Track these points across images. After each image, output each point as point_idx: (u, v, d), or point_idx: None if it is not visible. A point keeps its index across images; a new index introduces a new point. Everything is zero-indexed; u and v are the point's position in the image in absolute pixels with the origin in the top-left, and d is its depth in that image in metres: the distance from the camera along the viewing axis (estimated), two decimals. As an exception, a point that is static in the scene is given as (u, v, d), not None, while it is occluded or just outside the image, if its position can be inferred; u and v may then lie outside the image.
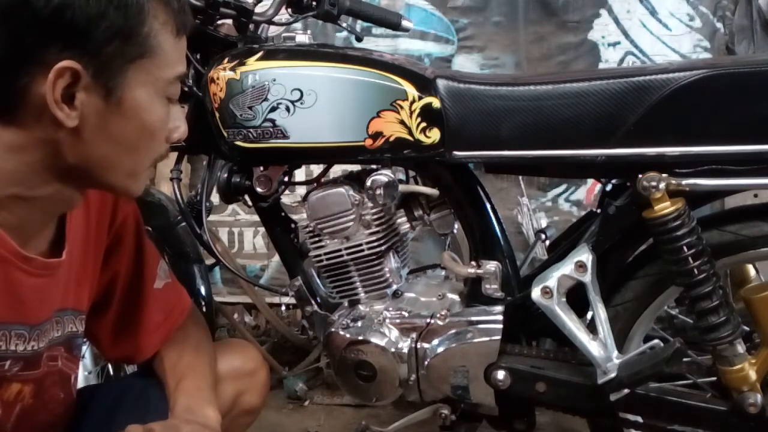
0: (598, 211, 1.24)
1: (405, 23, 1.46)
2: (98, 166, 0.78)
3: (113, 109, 0.75)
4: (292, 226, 1.38)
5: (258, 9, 1.29)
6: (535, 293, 1.12)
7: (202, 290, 1.49)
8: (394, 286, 1.29)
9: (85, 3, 0.70)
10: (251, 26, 1.29)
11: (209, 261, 1.57)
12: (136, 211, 1.02)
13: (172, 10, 0.77)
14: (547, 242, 1.57)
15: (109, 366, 1.55)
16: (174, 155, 1.38)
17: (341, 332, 1.26)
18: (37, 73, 0.71)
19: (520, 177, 2.20)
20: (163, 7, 0.76)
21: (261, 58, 1.18)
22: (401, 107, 1.13)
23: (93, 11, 0.70)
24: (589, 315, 1.14)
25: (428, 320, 1.24)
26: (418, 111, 1.13)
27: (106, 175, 0.79)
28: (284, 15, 1.37)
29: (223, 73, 1.18)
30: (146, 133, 0.79)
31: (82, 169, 0.77)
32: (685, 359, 1.13)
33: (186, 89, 1.24)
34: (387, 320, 1.25)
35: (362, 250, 1.25)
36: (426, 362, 1.22)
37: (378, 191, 1.18)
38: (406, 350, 1.23)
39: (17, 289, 0.79)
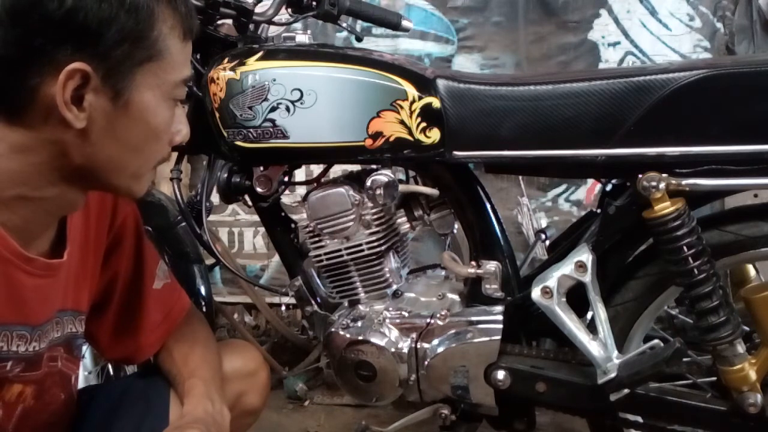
0: (598, 211, 1.24)
1: (405, 23, 1.46)
2: (104, 168, 0.78)
3: (121, 111, 0.76)
4: (292, 226, 1.38)
5: (258, 9, 1.28)
6: (535, 293, 1.12)
7: (202, 290, 1.49)
8: (394, 286, 1.29)
9: (97, 6, 0.71)
10: (251, 26, 1.29)
11: (209, 261, 1.57)
12: (135, 211, 1.02)
13: (180, 15, 0.78)
14: (547, 242, 1.57)
15: (109, 366, 1.55)
16: (174, 155, 1.38)
17: (341, 332, 1.26)
18: (47, 74, 0.71)
19: (520, 177, 2.20)
20: (171, 11, 0.77)
21: (261, 58, 1.18)
22: (401, 107, 1.13)
23: (104, 14, 0.71)
24: (589, 315, 1.14)
25: (428, 320, 1.24)
26: (418, 111, 1.13)
27: (111, 177, 0.80)
28: (284, 15, 1.37)
29: (223, 73, 1.18)
30: (152, 135, 0.80)
31: (87, 170, 0.78)
32: (685, 359, 1.13)
33: (186, 89, 1.24)
34: (387, 320, 1.25)
35: (362, 250, 1.25)
36: (426, 362, 1.22)
37: (378, 191, 1.18)
38: (406, 350, 1.23)
39: (19, 290, 0.79)
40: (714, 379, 1.11)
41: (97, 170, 0.78)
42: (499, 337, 1.19)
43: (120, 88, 0.74)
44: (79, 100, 0.73)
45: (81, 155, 0.76)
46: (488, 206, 1.27)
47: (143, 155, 0.81)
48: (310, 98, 1.15)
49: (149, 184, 0.87)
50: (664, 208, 1.04)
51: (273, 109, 1.16)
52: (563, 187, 2.28)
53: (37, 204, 0.78)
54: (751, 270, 1.32)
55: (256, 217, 1.41)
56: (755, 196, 1.41)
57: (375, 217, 1.23)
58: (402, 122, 1.13)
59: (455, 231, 1.31)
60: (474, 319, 1.23)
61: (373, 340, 1.23)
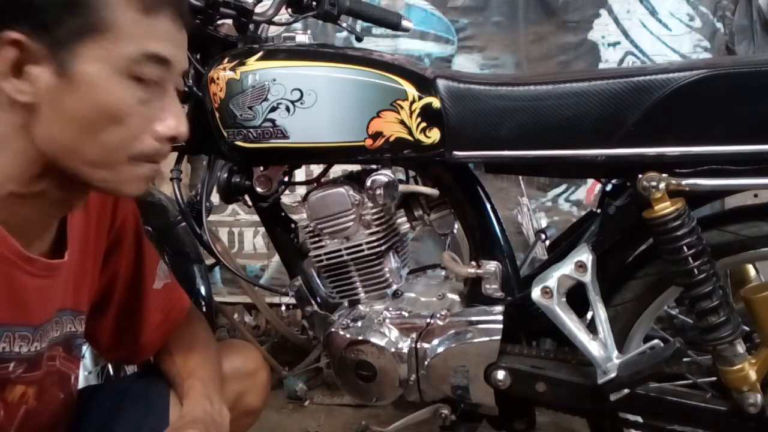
0: (598, 211, 1.24)
1: (405, 23, 1.46)
2: (62, 153, 0.75)
3: (65, 86, 0.72)
4: (292, 226, 1.39)
5: (258, 9, 1.29)
6: (535, 293, 1.12)
7: (202, 290, 1.49)
8: (394, 286, 1.29)
9: None
10: (251, 26, 1.29)
11: (209, 261, 1.57)
12: (135, 211, 1.02)
13: None
14: (547, 242, 1.57)
15: (109, 366, 1.55)
16: (174, 155, 1.39)
17: (341, 332, 1.26)
18: None
19: (520, 177, 2.21)
20: None
21: (261, 58, 1.18)
22: (401, 107, 1.13)
23: None
24: (589, 315, 1.14)
25: (428, 320, 1.24)
26: (418, 111, 1.13)
27: (73, 164, 0.76)
28: (284, 15, 1.37)
29: (223, 73, 1.18)
30: (105, 115, 0.74)
31: (53, 159, 0.75)
32: (685, 359, 1.13)
33: (186, 89, 1.24)
34: (387, 320, 1.25)
35: (362, 250, 1.25)
36: (426, 362, 1.22)
37: (378, 191, 1.18)
38: (406, 350, 1.23)
39: (20, 291, 0.79)
40: (714, 379, 1.11)
41: (57, 157, 0.75)
42: (499, 337, 1.19)
43: (62, 60, 0.72)
44: (24, 73, 0.71)
45: (42, 139, 0.74)
46: (488, 206, 1.27)
47: (100, 138, 0.75)
48: (310, 98, 1.15)
49: (142, 182, 0.80)
50: (664, 208, 1.04)
51: (273, 109, 1.16)
52: (563, 187, 2.28)
53: (31, 202, 0.78)
54: (751, 270, 1.32)
55: (256, 217, 1.41)
56: (755, 196, 1.41)
57: (375, 217, 1.23)
58: (402, 122, 1.13)
59: (455, 231, 1.31)
60: (474, 319, 1.22)
61: (373, 340, 1.23)
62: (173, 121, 0.78)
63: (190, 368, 0.99)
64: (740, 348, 1.05)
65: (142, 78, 0.75)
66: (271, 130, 1.17)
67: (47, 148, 0.75)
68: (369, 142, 1.15)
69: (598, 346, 1.10)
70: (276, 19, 1.33)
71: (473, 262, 1.25)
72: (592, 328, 1.12)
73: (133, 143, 0.76)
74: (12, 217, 0.76)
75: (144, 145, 0.77)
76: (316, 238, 1.28)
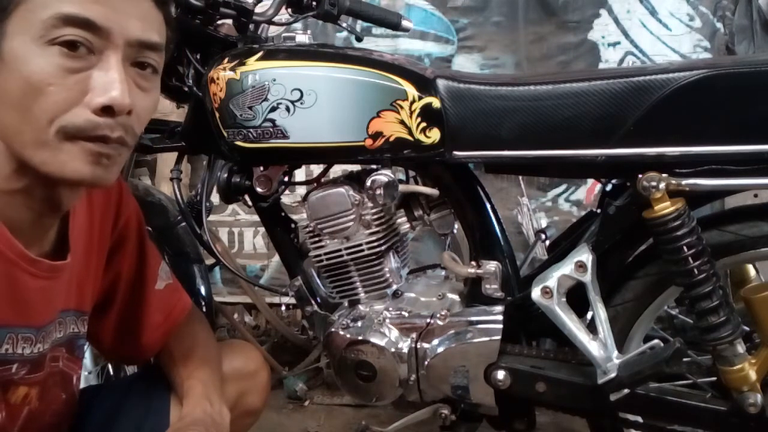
0: (598, 211, 1.24)
1: (405, 23, 1.46)
2: (9, 138, 0.73)
3: (1, 68, 0.71)
4: (292, 226, 1.39)
5: (258, 9, 1.29)
6: (535, 293, 1.12)
7: (202, 290, 1.49)
8: (394, 286, 1.29)
9: None
10: (251, 26, 1.29)
11: (209, 261, 1.57)
12: (138, 212, 1.02)
13: None
14: (547, 242, 1.57)
15: (109, 366, 1.55)
16: (174, 155, 1.39)
17: (341, 332, 1.26)
18: None
19: (520, 177, 2.21)
20: None
21: (261, 58, 1.18)
22: (401, 107, 1.13)
23: None
24: (589, 315, 1.14)
25: (428, 320, 1.24)
26: (418, 111, 1.13)
27: (19, 150, 0.73)
28: (284, 15, 1.37)
29: (223, 73, 1.18)
30: (29, 87, 0.70)
31: (10, 147, 0.74)
32: (685, 359, 1.13)
33: (186, 89, 1.24)
34: (387, 320, 1.25)
35: (362, 250, 1.25)
36: (426, 362, 1.22)
37: (378, 191, 1.18)
38: (406, 350, 1.23)
39: (23, 292, 0.79)
40: (714, 379, 1.11)
41: (9, 145, 0.73)
42: (499, 337, 1.19)
43: None
44: None
45: None
46: (488, 206, 1.27)
47: (31, 116, 0.71)
48: (310, 98, 1.15)
49: (84, 162, 0.73)
50: (664, 208, 1.04)
51: (273, 109, 1.16)
52: (563, 187, 2.28)
53: (20, 200, 0.77)
54: (751, 270, 1.32)
55: (256, 217, 1.41)
56: (755, 196, 1.41)
57: (375, 217, 1.23)
58: (402, 122, 1.13)
59: (455, 231, 1.31)
60: (474, 319, 1.22)
61: (373, 340, 1.23)
62: (116, 92, 0.72)
63: (190, 369, 0.99)
64: (740, 348, 1.05)
65: (66, 44, 0.70)
66: (271, 130, 1.17)
67: (2, 137, 0.74)
68: (369, 142, 1.15)
69: (598, 346, 1.10)
70: (276, 19, 1.33)
71: (473, 262, 1.25)
72: (592, 328, 1.12)
73: (62, 116, 0.71)
74: (6, 218, 0.76)
75: (75, 117, 0.71)
76: (316, 238, 1.28)
